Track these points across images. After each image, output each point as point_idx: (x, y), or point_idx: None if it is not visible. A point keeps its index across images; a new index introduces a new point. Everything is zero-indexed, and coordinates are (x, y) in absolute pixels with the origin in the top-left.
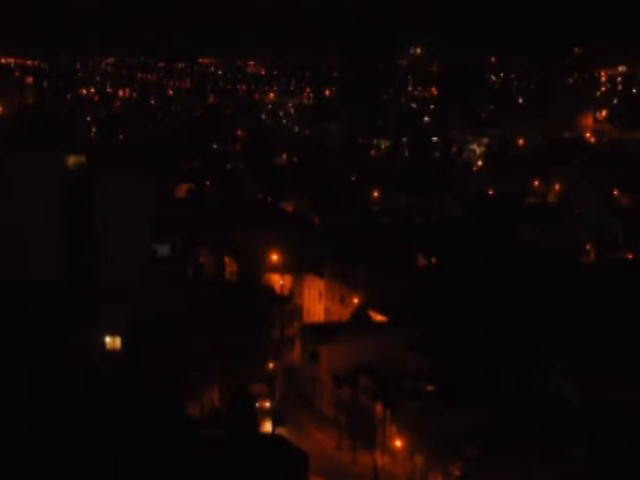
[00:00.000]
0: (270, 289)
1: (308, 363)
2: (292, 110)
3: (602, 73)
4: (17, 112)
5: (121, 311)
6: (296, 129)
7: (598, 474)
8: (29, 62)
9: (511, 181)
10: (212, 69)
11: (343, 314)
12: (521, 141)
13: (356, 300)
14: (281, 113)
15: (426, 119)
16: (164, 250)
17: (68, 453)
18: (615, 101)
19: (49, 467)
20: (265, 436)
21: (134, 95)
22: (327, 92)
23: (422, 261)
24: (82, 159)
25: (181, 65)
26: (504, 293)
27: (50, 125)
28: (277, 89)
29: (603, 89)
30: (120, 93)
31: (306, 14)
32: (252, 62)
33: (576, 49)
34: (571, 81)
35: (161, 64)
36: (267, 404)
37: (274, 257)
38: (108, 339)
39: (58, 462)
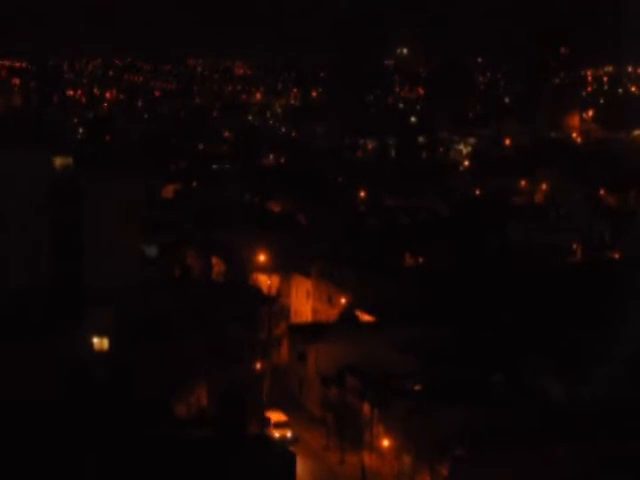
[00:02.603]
0: (257, 289)
1: (296, 363)
2: (279, 111)
3: (588, 73)
4: (4, 113)
5: (108, 312)
6: (283, 130)
7: (585, 474)
8: (16, 63)
9: (498, 181)
10: (199, 70)
11: (331, 314)
12: (508, 141)
13: (343, 300)
14: (268, 114)
15: (413, 119)
16: (151, 251)
17: (55, 453)
18: (601, 101)
19: (35, 467)
20: (252, 436)
21: (121, 96)
22: (314, 93)
23: (409, 261)
24: (69, 160)
25: (167, 66)
26: (492, 293)
27: (37, 126)
28: (264, 90)
29: (589, 89)
30: (107, 95)
31: (292, 14)
32: (238, 63)
33: (562, 49)
34: (557, 81)
35: (147, 66)
36: (288, 434)
37: (261, 257)
38: (96, 340)
39: (44, 462)
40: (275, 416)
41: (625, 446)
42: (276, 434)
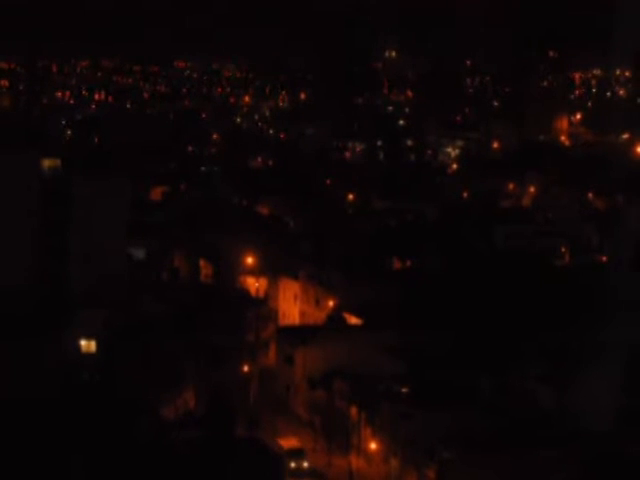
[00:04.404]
0: (245, 292)
1: (283, 366)
2: (267, 113)
3: (577, 76)
4: None
5: (96, 314)
6: (271, 132)
7: (572, 477)
8: (4, 65)
9: (486, 184)
10: (187, 72)
11: (318, 317)
12: (496, 144)
13: (331, 303)
14: (256, 116)
15: (401, 122)
16: (139, 253)
17: (42, 455)
18: (590, 104)
19: (22, 468)
20: (240, 439)
21: (109, 98)
22: (302, 95)
23: (397, 264)
24: (57, 162)
25: (156, 69)
26: (480, 296)
27: (26, 128)
28: (252, 92)
29: (578, 92)
30: (95, 96)
31: (281, 16)
32: (227, 65)
33: (551, 52)
34: (546, 84)
35: (136, 67)
36: (305, 464)
37: (249, 260)
38: (83, 342)
39: (32, 464)
40: (285, 442)
41: (611, 450)
42: (291, 464)
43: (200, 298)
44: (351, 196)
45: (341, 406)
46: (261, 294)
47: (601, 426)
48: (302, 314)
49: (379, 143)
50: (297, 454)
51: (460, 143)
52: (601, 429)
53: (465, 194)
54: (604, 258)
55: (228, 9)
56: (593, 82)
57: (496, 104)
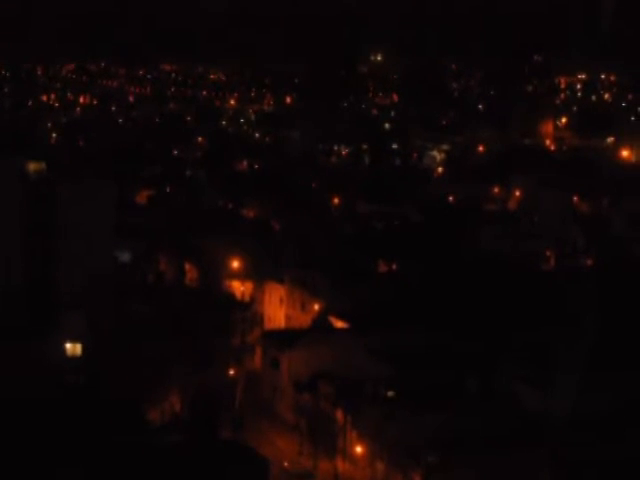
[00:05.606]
0: (231, 295)
1: (269, 369)
2: (253, 117)
3: (562, 80)
4: None
5: (81, 317)
6: (257, 136)
7: (557, 478)
8: None
9: (471, 188)
10: (173, 76)
11: (304, 320)
12: (481, 148)
13: (317, 306)
14: (242, 120)
15: (387, 126)
16: (125, 256)
17: (27, 457)
18: (575, 108)
19: (5, 470)
20: (226, 442)
21: (95, 101)
22: (288, 99)
23: (383, 267)
24: (42, 165)
25: (142, 71)
26: (465, 299)
27: (11, 132)
28: (238, 96)
29: (563, 96)
30: (81, 99)
31: (267, 20)
32: (213, 69)
33: (536, 56)
34: (531, 88)
35: (122, 70)
36: None
37: (235, 263)
38: (69, 345)
39: (16, 466)
40: (290, 463)
41: (597, 450)
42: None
43: (185, 301)
44: (336, 200)
45: (327, 409)
46: (247, 298)
47: (585, 427)
48: (288, 318)
49: (365, 147)
50: (305, 476)
51: (446, 147)
52: (585, 430)
53: (451, 198)
54: (590, 261)
55: (214, 13)
56: (578, 86)
57: (481, 108)
